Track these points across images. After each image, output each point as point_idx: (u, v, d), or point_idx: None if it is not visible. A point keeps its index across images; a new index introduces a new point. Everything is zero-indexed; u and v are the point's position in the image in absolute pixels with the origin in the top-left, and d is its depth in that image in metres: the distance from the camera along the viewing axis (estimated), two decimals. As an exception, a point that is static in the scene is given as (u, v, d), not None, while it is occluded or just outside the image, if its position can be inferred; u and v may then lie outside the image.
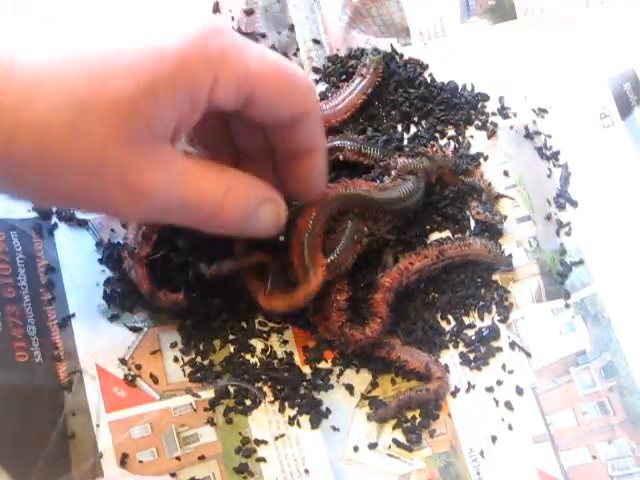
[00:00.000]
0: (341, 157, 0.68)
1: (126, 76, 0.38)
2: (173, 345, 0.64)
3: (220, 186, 0.46)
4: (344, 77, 0.75)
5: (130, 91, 0.38)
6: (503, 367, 0.68)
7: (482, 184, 0.72)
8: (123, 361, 0.62)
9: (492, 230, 0.71)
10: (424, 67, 0.77)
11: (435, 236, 0.71)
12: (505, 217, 0.72)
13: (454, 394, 0.66)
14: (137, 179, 0.40)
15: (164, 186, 0.42)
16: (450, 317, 0.69)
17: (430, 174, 0.69)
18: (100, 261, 0.65)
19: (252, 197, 0.49)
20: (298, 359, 0.65)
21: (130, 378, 0.62)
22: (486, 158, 0.75)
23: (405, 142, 0.73)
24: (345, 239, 0.62)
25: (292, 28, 0.76)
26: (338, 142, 0.69)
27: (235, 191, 0.47)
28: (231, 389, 0.63)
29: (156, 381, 0.62)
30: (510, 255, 0.71)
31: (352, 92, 0.72)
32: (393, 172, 0.67)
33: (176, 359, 0.64)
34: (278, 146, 0.53)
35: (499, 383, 0.67)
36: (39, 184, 0.39)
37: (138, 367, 0.62)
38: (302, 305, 0.61)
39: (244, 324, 0.66)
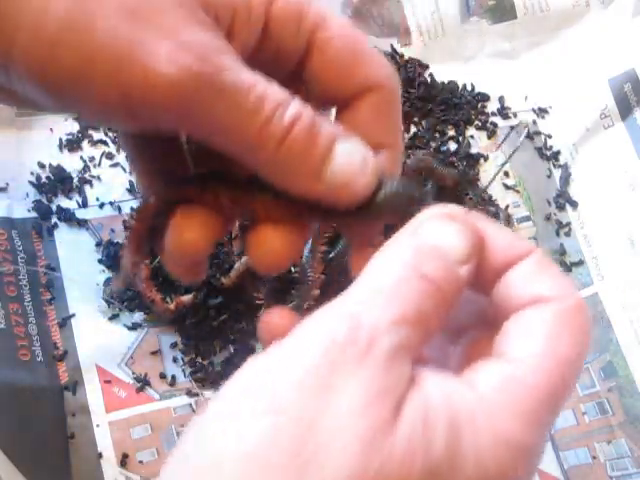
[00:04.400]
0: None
1: None
2: (173, 345, 0.64)
3: (274, 94, 0.31)
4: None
5: None
6: (503, 367, 0.68)
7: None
8: (127, 365, 0.62)
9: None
10: (424, 67, 0.77)
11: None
12: (508, 219, 0.72)
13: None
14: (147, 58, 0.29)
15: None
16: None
17: (438, 176, 0.69)
18: (100, 261, 0.65)
19: (320, 122, 0.32)
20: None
21: (139, 385, 0.62)
22: (486, 158, 0.75)
23: (405, 142, 0.74)
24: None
25: (292, 28, 0.76)
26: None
27: (295, 111, 0.31)
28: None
29: (156, 381, 0.62)
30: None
31: None
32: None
33: (176, 359, 0.64)
34: None
35: (499, 383, 0.67)
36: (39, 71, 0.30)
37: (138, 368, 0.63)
38: None
39: (244, 324, 0.66)
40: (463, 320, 0.33)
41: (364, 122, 0.36)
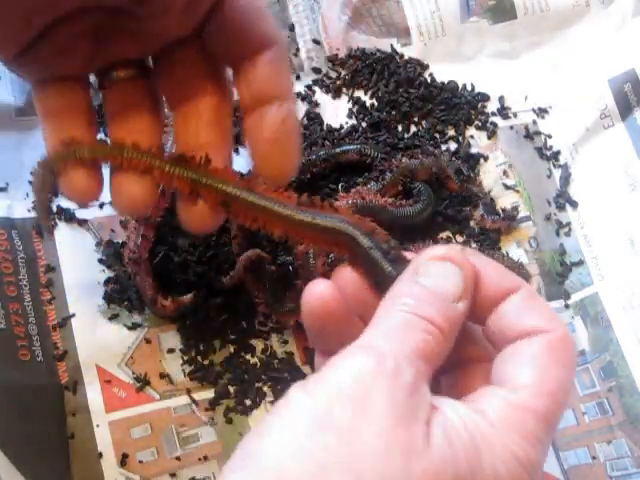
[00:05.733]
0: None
1: None
2: (173, 345, 0.64)
3: None
4: (347, 77, 0.75)
5: None
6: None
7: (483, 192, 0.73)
8: (127, 365, 0.62)
9: (493, 232, 0.71)
10: (424, 67, 0.77)
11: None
12: (513, 218, 0.72)
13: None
14: None
15: None
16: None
17: (430, 175, 0.69)
18: (100, 261, 0.65)
19: None
20: (298, 359, 0.65)
21: (139, 385, 0.62)
22: (486, 158, 0.75)
23: (405, 142, 0.73)
24: None
25: (292, 28, 0.76)
26: (340, 149, 0.70)
27: None
28: (231, 389, 0.63)
29: (156, 381, 0.62)
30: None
31: None
32: (395, 170, 0.68)
33: (176, 359, 0.64)
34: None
35: (499, 383, 0.67)
36: None
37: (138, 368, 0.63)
38: None
39: (244, 324, 0.66)
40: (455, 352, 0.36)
41: (264, 76, 0.40)
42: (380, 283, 0.37)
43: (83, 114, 0.42)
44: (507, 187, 0.74)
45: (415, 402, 0.31)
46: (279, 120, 0.40)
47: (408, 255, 0.38)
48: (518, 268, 0.70)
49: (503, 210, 0.73)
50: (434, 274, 0.35)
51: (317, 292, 0.37)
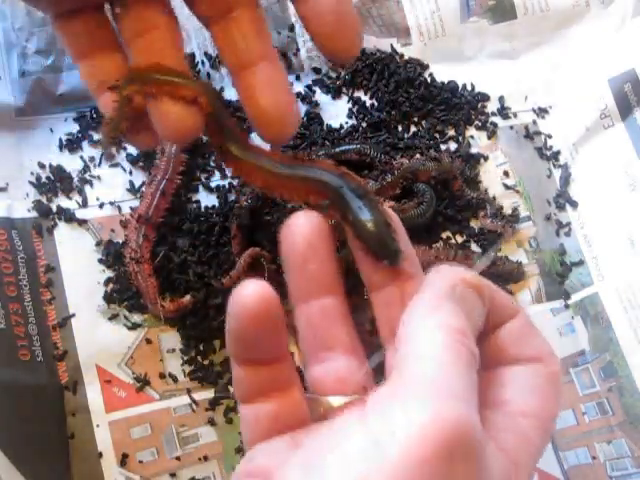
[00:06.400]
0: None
1: None
2: (173, 345, 0.64)
3: None
4: (347, 77, 0.75)
5: None
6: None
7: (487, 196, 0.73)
8: (127, 365, 0.62)
9: (493, 233, 0.72)
10: (424, 67, 0.77)
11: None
12: (515, 224, 0.72)
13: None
14: None
15: None
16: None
17: (432, 176, 0.69)
18: (100, 261, 0.65)
19: None
20: (298, 359, 0.65)
21: (139, 385, 0.62)
22: (486, 158, 0.75)
23: (405, 142, 0.73)
24: None
25: (292, 28, 0.76)
26: (340, 148, 0.70)
27: None
28: (231, 389, 0.63)
29: (156, 381, 0.62)
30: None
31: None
32: (396, 172, 0.68)
33: (176, 359, 0.64)
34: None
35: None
36: None
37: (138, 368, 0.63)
38: None
39: (244, 324, 0.65)
40: None
41: (245, 34, 0.39)
42: (357, 229, 0.36)
43: (115, 47, 0.41)
44: (507, 187, 0.74)
45: (488, 471, 0.30)
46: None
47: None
48: (517, 268, 0.70)
49: (504, 215, 0.73)
50: (470, 303, 0.34)
51: (252, 291, 0.33)
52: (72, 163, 0.68)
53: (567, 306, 0.71)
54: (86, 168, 0.68)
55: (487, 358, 0.35)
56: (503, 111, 0.77)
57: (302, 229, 0.35)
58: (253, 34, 0.40)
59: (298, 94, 0.74)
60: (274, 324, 0.33)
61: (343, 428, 0.31)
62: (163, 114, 0.38)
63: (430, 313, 0.32)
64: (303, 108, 0.74)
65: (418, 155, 0.71)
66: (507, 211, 0.73)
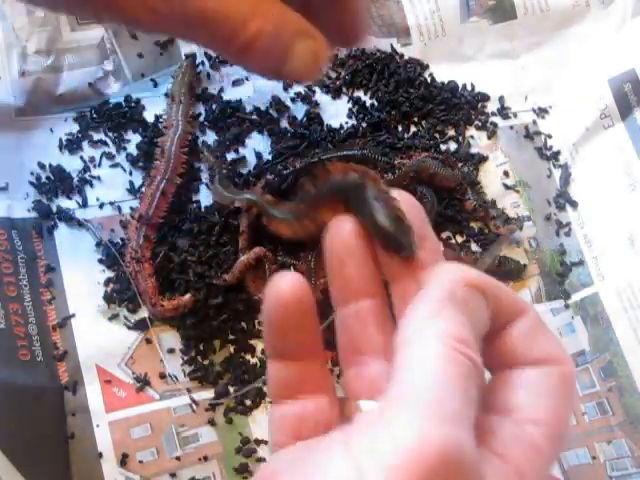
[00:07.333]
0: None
1: None
2: (173, 345, 0.64)
3: (245, 3, 0.38)
4: (347, 77, 0.75)
5: None
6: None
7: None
8: (127, 365, 0.62)
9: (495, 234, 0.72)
10: (424, 67, 0.77)
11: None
12: (521, 225, 0.72)
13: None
14: None
15: None
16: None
17: (435, 176, 0.69)
18: (100, 261, 0.65)
19: (284, 25, 0.40)
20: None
21: (139, 385, 0.62)
22: (486, 158, 0.75)
23: (405, 142, 0.73)
24: None
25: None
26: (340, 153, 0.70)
27: (263, 12, 0.39)
28: (231, 389, 0.63)
29: (156, 381, 0.62)
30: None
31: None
32: (399, 172, 0.68)
33: (176, 359, 0.64)
34: None
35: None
36: None
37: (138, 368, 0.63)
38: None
39: (244, 324, 0.66)
40: None
41: None
42: (370, 225, 0.35)
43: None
44: (507, 187, 0.74)
45: None
46: None
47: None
48: (516, 265, 0.70)
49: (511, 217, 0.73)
50: (474, 306, 0.32)
51: (288, 282, 0.33)
52: (72, 163, 0.68)
53: (567, 306, 0.71)
54: (86, 168, 0.68)
55: (494, 360, 0.34)
56: (503, 111, 0.77)
57: (340, 233, 0.35)
58: None
59: (298, 94, 0.74)
60: (308, 313, 0.34)
61: (327, 449, 0.28)
62: None
63: (428, 319, 0.30)
64: (303, 108, 0.74)
65: (430, 159, 0.71)
66: (507, 211, 0.73)
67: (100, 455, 0.59)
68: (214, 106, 0.72)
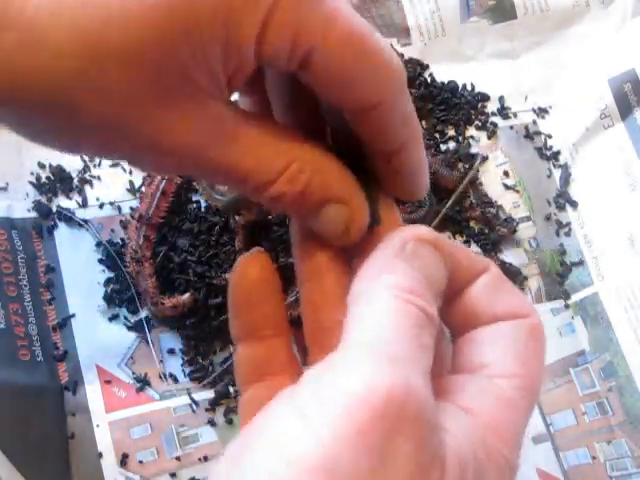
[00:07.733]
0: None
1: (153, 17, 0.28)
2: (173, 345, 0.64)
3: (278, 160, 0.33)
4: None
5: (157, 36, 0.28)
6: (503, 367, 0.68)
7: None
8: (127, 365, 0.62)
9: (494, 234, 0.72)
10: (424, 67, 0.77)
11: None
12: (516, 224, 0.73)
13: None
14: (164, 138, 0.31)
15: (200, 147, 0.32)
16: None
17: (435, 176, 0.70)
18: (100, 261, 0.65)
19: (316, 188, 0.34)
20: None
21: (139, 385, 0.62)
22: (486, 158, 0.75)
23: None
24: None
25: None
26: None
27: (295, 172, 0.34)
28: (231, 389, 0.63)
29: (156, 381, 0.62)
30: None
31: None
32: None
33: (176, 359, 0.64)
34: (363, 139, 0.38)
35: (499, 383, 0.67)
36: (50, 132, 0.31)
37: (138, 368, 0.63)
38: None
39: (244, 324, 0.66)
40: None
41: (384, 128, 0.35)
42: None
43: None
44: (507, 187, 0.74)
45: (437, 440, 0.26)
46: None
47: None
48: (510, 267, 0.70)
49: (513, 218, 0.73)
50: (426, 260, 0.31)
51: (251, 257, 0.34)
52: (72, 163, 0.68)
53: (567, 306, 0.71)
54: (86, 168, 0.68)
55: (460, 321, 0.33)
56: (503, 111, 0.77)
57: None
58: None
59: (298, 94, 0.74)
60: (272, 285, 0.34)
61: (276, 405, 0.27)
62: None
63: (377, 274, 0.30)
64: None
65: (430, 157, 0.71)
66: (507, 211, 0.73)
67: (100, 455, 0.59)
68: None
